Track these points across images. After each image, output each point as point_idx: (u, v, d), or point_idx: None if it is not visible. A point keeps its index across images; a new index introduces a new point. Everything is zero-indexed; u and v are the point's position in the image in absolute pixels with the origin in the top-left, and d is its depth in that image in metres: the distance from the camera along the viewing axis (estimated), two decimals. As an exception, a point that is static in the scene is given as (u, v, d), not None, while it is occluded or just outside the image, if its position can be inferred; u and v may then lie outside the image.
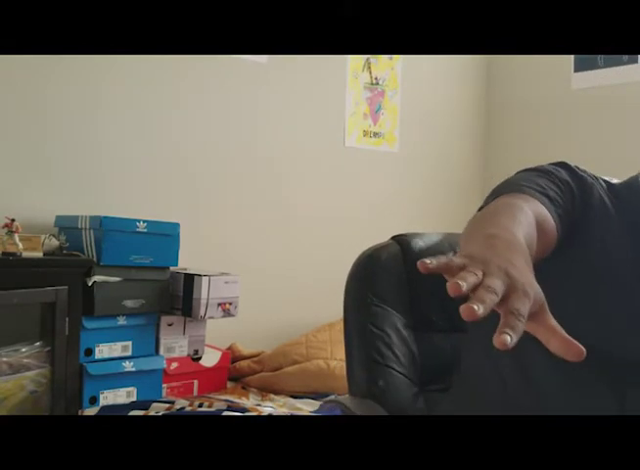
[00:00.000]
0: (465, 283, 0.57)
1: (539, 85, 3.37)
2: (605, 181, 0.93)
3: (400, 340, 1.13)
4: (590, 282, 0.88)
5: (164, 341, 2.16)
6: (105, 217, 1.99)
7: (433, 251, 1.16)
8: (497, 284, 0.59)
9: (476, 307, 0.56)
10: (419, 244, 1.18)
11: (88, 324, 1.94)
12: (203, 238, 2.49)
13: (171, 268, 2.17)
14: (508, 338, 0.55)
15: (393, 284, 1.15)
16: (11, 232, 1.78)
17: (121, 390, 2.02)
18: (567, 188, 0.89)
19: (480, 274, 0.59)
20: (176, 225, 2.15)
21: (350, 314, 1.15)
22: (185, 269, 2.23)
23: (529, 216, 0.79)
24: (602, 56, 3.08)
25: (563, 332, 0.59)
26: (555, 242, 0.85)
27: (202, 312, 2.13)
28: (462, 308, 0.56)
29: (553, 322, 0.61)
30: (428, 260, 0.60)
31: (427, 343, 1.13)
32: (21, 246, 1.78)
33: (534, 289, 0.61)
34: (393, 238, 1.20)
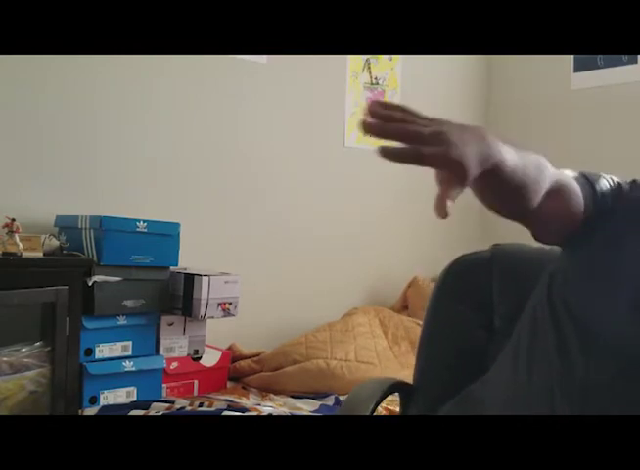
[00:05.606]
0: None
1: (539, 85, 3.37)
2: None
3: (465, 339, 1.17)
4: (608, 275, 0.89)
5: (164, 341, 2.16)
6: (105, 217, 1.99)
7: (523, 258, 1.19)
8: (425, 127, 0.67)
9: (368, 120, 0.67)
10: (510, 251, 1.22)
11: (88, 324, 1.94)
12: (203, 238, 2.49)
13: (171, 268, 2.17)
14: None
15: (475, 286, 1.19)
16: (11, 232, 1.78)
17: (121, 390, 2.02)
18: (617, 188, 0.91)
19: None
20: (176, 225, 2.15)
21: (426, 312, 1.22)
22: (185, 269, 2.23)
23: (544, 166, 0.83)
24: (601, 56, 3.08)
25: (450, 196, 0.69)
26: (579, 215, 0.88)
27: (202, 312, 2.13)
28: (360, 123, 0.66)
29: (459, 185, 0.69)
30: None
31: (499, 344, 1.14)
32: (21, 246, 1.78)
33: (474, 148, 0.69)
34: (493, 246, 1.24)
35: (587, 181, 0.89)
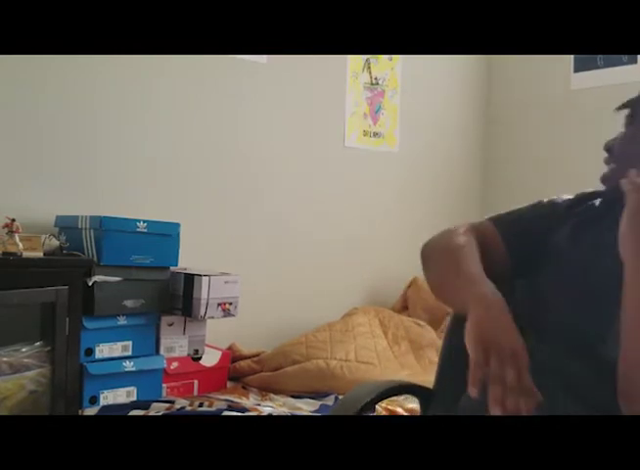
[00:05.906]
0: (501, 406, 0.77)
1: (539, 85, 3.37)
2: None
3: None
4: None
5: (164, 341, 2.16)
6: (105, 217, 1.99)
7: None
8: (504, 373, 0.79)
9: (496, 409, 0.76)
10: None
11: (88, 324, 1.94)
12: (203, 238, 2.49)
13: (171, 268, 2.17)
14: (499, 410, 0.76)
15: None
16: (11, 232, 1.77)
17: (121, 390, 2.02)
18: (567, 201, 1.12)
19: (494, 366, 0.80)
20: (176, 225, 2.15)
21: (451, 316, 1.28)
22: (185, 269, 2.23)
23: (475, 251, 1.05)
24: (601, 56, 3.08)
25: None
26: (505, 259, 1.08)
27: (202, 312, 2.13)
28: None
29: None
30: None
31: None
32: (21, 246, 1.78)
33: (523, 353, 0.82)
34: None
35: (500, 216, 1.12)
